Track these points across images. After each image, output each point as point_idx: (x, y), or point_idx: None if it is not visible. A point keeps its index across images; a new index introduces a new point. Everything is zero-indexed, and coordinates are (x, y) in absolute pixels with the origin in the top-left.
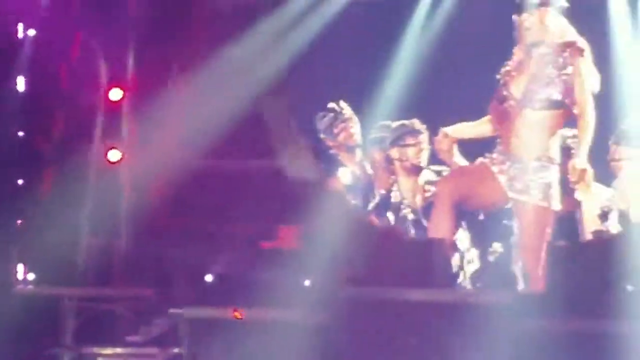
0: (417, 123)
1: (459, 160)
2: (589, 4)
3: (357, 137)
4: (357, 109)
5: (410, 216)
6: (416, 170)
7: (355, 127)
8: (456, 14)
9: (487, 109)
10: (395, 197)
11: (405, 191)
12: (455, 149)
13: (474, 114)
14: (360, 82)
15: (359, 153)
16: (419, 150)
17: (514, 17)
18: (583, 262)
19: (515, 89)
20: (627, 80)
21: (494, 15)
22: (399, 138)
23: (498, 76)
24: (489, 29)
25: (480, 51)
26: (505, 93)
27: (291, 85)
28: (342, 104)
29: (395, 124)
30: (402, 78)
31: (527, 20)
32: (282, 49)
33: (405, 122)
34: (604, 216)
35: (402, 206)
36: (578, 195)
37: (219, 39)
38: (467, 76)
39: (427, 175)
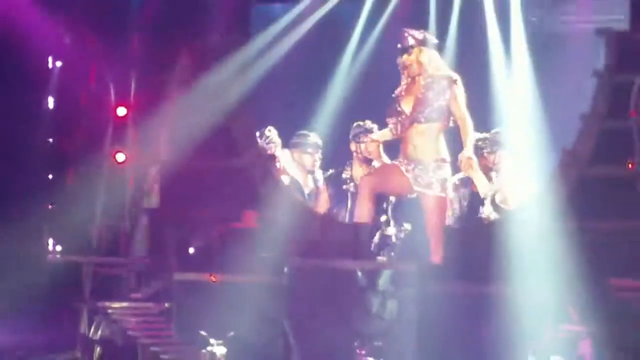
0: (369, 123)
1: (385, 159)
2: (475, 41)
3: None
4: (302, 120)
5: (352, 189)
6: (368, 161)
7: (277, 148)
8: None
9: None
10: (345, 174)
11: (356, 173)
12: (381, 150)
13: None
14: (305, 99)
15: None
16: None
17: (397, 59)
18: (470, 241)
19: (405, 107)
20: (501, 97)
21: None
22: (356, 135)
23: (393, 95)
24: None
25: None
26: (398, 109)
27: (254, 103)
28: (269, 130)
29: (354, 123)
30: (338, 95)
31: (407, 59)
32: (248, 75)
33: (361, 122)
34: (482, 203)
35: (348, 181)
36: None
37: (201, 69)
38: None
39: (375, 164)
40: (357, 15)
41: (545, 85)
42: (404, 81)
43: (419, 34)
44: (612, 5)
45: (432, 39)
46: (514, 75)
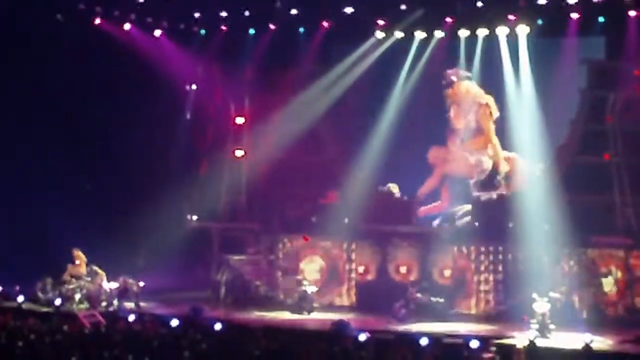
0: None
1: None
2: (493, 71)
3: None
4: (366, 127)
5: None
6: None
7: None
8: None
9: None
10: None
11: None
12: None
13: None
14: (368, 112)
15: None
16: None
17: (443, 91)
18: (492, 209)
19: (457, 125)
20: (513, 110)
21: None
22: None
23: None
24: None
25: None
26: (452, 127)
27: (334, 114)
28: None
29: None
30: (392, 109)
31: (450, 91)
32: (329, 94)
33: None
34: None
35: None
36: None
37: (295, 90)
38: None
39: None
40: (406, 54)
41: (544, 100)
42: (452, 108)
43: (456, 72)
44: (591, 42)
45: (466, 74)
46: (522, 93)
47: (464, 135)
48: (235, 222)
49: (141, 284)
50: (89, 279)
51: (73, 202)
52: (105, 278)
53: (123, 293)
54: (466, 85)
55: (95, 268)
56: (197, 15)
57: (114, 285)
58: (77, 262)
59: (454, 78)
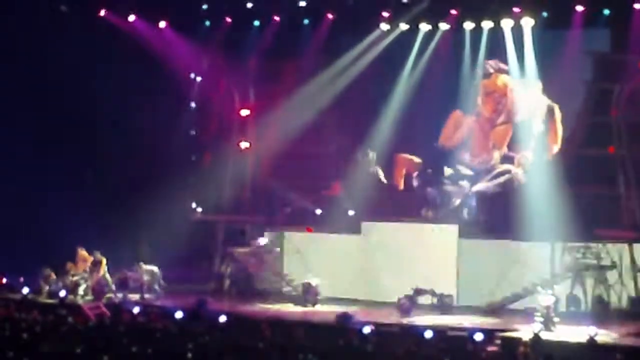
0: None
1: None
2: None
3: None
4: (371, 119)
5: None
6: None
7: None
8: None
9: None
10: None
11: None
12: None
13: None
14: (373, 103)
15: None
16: None
17: (481, 81)
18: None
19: (485, 111)
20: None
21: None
22: None
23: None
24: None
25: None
26: (478, 111)
27: (338, 106)
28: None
29: None
30: (397, 102)
31: (487, 81)
32: (333, 86)
33: None
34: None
35: None
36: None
37: (300, 82)
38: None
39: None
40: (410, 47)
41: (549, 92)
42: (481, 97)
43: (495, 64)
44: (596, 34)
45: (504, 67)
46: (527, 86)
47: (488, 123)
48: (240, 214)
49: (146, 276)
50: (87, 273)
51: (77, 195)
52: (105, 266)
53: (123, 284)
54: (502, 79)
55: (98, 256)
56: (202, 6)
57: (115, 276)
58: (78, 263)
59: (491, 69)
